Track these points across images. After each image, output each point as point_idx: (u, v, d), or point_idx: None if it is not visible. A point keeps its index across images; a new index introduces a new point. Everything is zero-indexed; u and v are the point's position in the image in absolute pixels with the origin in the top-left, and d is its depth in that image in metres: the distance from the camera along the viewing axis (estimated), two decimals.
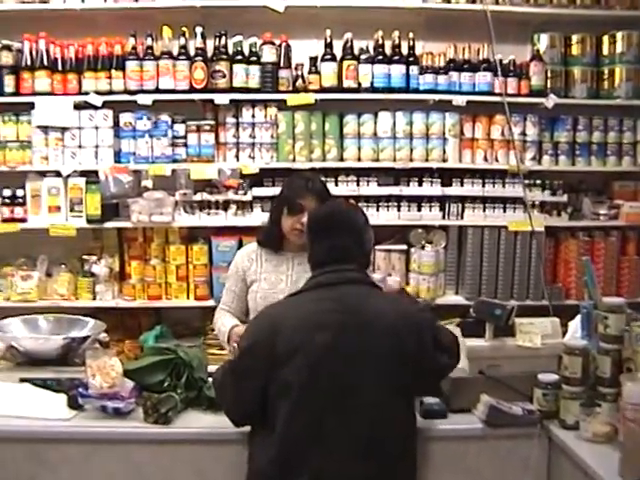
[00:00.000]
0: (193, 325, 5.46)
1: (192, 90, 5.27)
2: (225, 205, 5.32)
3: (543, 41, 5.52)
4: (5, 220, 5.32)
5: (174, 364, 3.27)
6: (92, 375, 3.12)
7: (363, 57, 5.33)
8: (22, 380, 3.42)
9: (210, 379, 3.22)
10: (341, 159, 5.41)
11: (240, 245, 5.10)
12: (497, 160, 5.45)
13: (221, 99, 5.25)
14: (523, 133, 5.47)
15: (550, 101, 5.39)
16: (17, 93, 5.29)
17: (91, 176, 5.26)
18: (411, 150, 5.40)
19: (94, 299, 5.33)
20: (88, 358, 3.17)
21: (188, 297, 5.36)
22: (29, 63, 5.26)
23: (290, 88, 5.33)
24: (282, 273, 3.85)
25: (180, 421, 3.16)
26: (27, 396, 3.28)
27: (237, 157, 5.36)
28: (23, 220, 5.31)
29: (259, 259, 3.90)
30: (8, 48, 5.30)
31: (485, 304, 3.54)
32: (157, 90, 5.25)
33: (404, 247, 5.42)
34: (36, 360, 3.50)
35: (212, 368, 3.26)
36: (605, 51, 5.57)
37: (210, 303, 5.23)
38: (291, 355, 2.74)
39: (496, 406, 3.11)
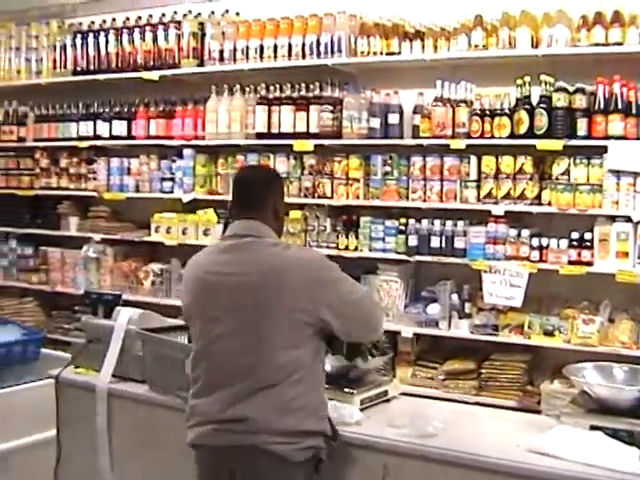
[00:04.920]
0: None
1: None
2: None
3: None
4: (572, 262, 5.38)
5: None
6: None
7: None
8: (592, 428, 3.38)
9: None
10: None
11: None
12: None
13: None
14: None
15: None
16: (589, 136, 5.34)
17: None
18: None
19: None
20: None
21: None
22: (602, 106, 5.28)
23: None
24: None
25: None
26: (597, 445, 3.23)
27: None
28: (589, 264, 5.35)
29: None
30: (582, 91, 5.38)
31: None
32: None
33: None
34: (607, 409, 3.45)
35: None
36: None
37: None
38: None
39: None
